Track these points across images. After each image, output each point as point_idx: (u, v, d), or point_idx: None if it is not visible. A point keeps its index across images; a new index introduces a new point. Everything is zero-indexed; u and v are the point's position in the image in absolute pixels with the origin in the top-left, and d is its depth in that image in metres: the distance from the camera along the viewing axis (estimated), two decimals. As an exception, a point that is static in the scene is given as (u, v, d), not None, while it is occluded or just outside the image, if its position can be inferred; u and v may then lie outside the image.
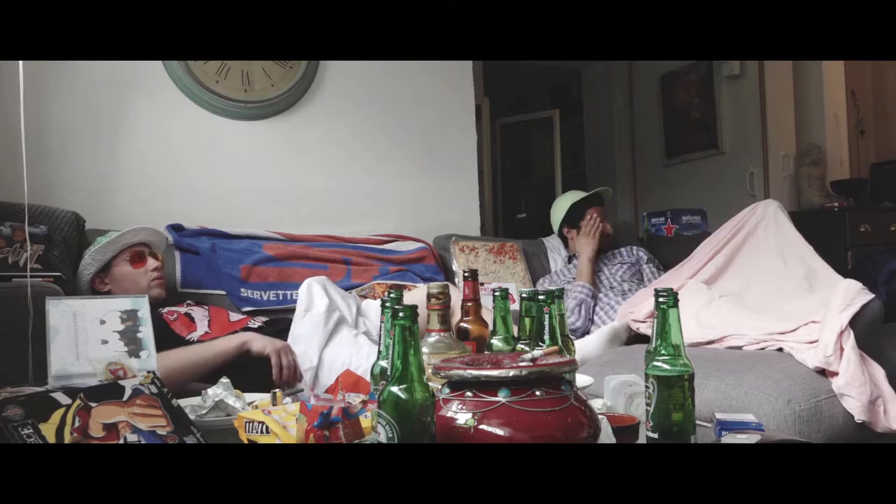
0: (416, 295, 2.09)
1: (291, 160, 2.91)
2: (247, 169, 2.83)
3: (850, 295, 1.69)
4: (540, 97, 7.18)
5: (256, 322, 2.08)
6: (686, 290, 2.19)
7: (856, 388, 1.57)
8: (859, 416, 1.56)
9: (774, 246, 2.22)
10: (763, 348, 1.85)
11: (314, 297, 2.08)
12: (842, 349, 1.62)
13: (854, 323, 1.65)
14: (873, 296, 1.70)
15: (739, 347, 1.90)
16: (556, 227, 3.06)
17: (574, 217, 2.96)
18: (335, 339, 1.94)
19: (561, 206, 3.02)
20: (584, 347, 2.16)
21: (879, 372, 1.62)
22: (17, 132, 1.79)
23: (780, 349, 1.81)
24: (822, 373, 1.66)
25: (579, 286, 2.73)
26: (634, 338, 2.37)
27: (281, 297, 2.45)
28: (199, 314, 2.07)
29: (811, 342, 1.72)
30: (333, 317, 1.99)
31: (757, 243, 2.29)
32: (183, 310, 2.07)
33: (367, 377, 1.76)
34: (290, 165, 2.90)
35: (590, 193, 3.00)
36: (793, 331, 1.81)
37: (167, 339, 1.88)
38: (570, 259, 3.01)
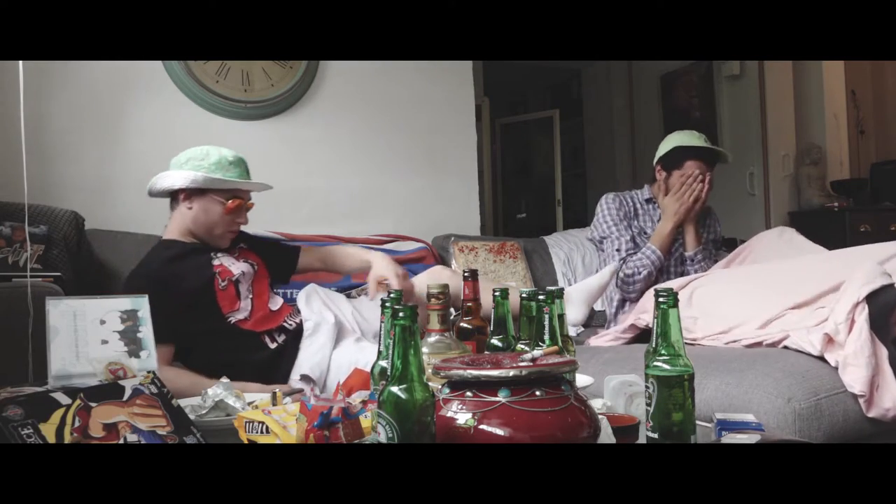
0: (422, 279, 2.10)
1: (291, 160, 2.91)
2: (247, 169, 2.83)
3: (872, 275, 1.71)
4: (540, 97, 7.19)
5: (291, 323, 1.99)
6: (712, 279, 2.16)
7: (864, 357, 1.58)
8: (861, 387, 1.56)
9: (793, 255, 2.19)
10: (770, 343, 1.85)
11: (314, 307, 2.05)
12: (853, 321, 1.64)
13: (870, 300, 1.66)
14: (893, 282, 1.71)
15: (762, 325, 1.90)
16: (655, 159, 2.65)
17: (672, 161, 2.54)
18: (340, 345, 1.95)
19: (667, 142, 2.59)
20: (587, 286, 2.18)
21: (883, 351, 1.63)
22: (17, 132, 1.79)
23: (787, 336, 1.80)
24: (822, 359, 1.67)
25: (651, 252, 2.43)
26: (635, 338, 2.36)
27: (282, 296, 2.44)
28: (245, 286, 1.97)
29: (818, 323, 1.74)
30: (338, 326, 2.01)
31: (776, 258, 2.24)
32: (235, 272, 1.96)
33: None
34: (290, 165, 2.90)
35: (702, 146, 2.52)
36: (803, 304, 1.82)
37: (208, 308, 1.87)
38: (649, 200, 2.62)
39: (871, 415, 1.58)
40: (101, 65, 2.57)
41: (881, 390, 1.59)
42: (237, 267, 1.98)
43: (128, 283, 1.90)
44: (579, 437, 0.91)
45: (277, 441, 1.10)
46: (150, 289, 1.83)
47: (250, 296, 1.97)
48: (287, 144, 2.91)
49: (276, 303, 2.04)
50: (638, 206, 2.61)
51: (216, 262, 1.96)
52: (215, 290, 1.90)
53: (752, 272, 2.12)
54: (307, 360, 1.90)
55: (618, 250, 2.48)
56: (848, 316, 1.64)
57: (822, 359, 1.68)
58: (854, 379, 1.58)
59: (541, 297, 1.24)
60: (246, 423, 1.16)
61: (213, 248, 1.98)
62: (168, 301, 1.82)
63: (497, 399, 0.90)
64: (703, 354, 1.77)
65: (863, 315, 1.63)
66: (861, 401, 1.58)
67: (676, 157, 2.52)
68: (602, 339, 2.33)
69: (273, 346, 1.92)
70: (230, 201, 1.93)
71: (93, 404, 1.03)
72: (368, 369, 1.73)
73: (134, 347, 1.29)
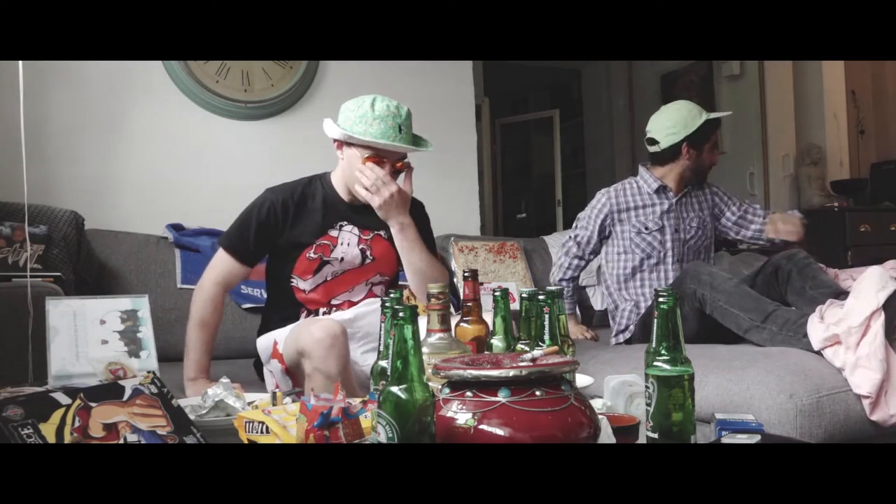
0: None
1: (291, 160, 2.90)
2: (247, 169, 2.83)
3: (884, 279, 1.72)
4: (540, 97, 7.18)
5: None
6: None
7: (877, 360, 1.59)
8: (869, 389, 1.57)
9: None
10: None
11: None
12: (868, 327, 1.65)
13: (885, 306, 1.67)
14: None
15: None
16: (669, 137, 2.42)
17: (703, 136, 2.38)
18: None
19: (682, 115, 2.42)
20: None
21: (895, 359, 1.63)
22: (17, 132, 1.79)
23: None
24: (820, 354, 1.69)
25: (569, 304, 2.59)
26: (636, 337, 2.36)
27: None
28: (332, 269, 1.90)
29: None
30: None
31: None
32: (335, 254, 1.89)
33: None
34: (291, 165, 2.87)
35: (722, 115, 2.44)
36: None
37: (286, 259, 1.87)
38: (659, 190, 2.43)
39: (873, 418, 1.58)
40: (100, 65, 2.57)
41: (888, 396, 1.59)
42: (344, 250, 1.91)
43: (265, 191, 1.92)
44: (579, 437, 0.91)
45: (277, 441, 1.10)
46: (269, 204, 1.88)
47: (327, 279, 1.90)
48: (287, 144, 2.91)
49: (347, 297, 1.93)
50: (636, 199, 2.43)
51: (332, 233, 1.90)
52: (301, 253, 1.87)
53: None
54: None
55: (574, 243, 2.50)
56: (864, 321, 1.64)
57: (822, 356, 1.69)
58: (863, 380, 1.58)
59: (541, 297, 1.24)
60: (246, 423, 1.16)
61: (351, 214, 1.91)
62: (270, 223, 1.87)
63: (497, 399, 0.90)
64: (703, 354, 1.77)
65: (879, 321, 1.64)
66: (866, 403, 1.58)
67: (707, 132, 2.39)
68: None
69: None
70: (365, 157, 1.84)
71: (93, 404, 1.03)
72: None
73: (134, 347, 1.29)
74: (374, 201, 1.82)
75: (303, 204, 1.90)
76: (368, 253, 1.94)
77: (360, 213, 1.93)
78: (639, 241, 2.40)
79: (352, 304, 1.93)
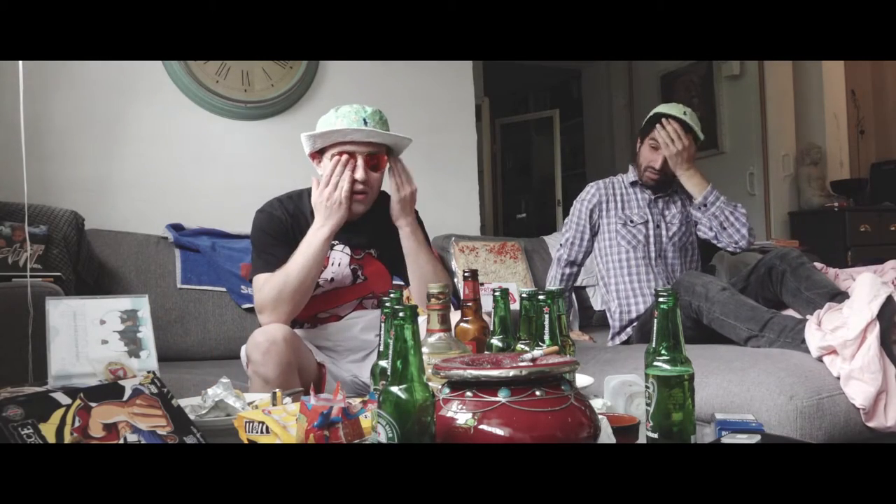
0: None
1: (291, 160, 2.90)
2: (247, 169, 2.83)
3: (875, 287, 1.70)
4: (540, 97, 7.19)
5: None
6: None
7: (870, 373, 1.58)
8: (862, 402, 1.57)
9: None
10: None
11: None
12: (864, 339, 1.64)
13: (879, 315, 1.66)
14: (892, 289, 1.71)
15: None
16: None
17: (649, 128, 2.43)
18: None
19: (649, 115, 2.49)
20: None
21: (892, 370, 1.63)
22: (17, 132, 1.79)
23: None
24: (821, 360, 1.69)
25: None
26: (636, 337, 2.37)
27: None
28: (321, 289, 1.85)
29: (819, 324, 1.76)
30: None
31: None
32: (327, 272, 1.83)
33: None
34: (291, 165, 2.89)
35: (678, 116, 2.40)
36: None
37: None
38: (634, 183, 2.50)
39: (870, 425, 1.59)
40: (100, 65, 2.57)
41: (888, 408, 1.59)
42: (335, 270, 1.86)
43: (259, 211, 1.88)
44: (579, 437, 0.91)
45: (277, 441, 1.10)
46: (266, 217, 1.84)
47: (316, 295, 1.86)
48: (287, 144, 2.90)
49: (335, 312, 1.91)
50: (621, 192, 2.50)
51: (330, 248, 1.84)
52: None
53: None
54: None
55: (565, 249, 2.51)
56: (860, 334, 1.63)
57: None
58: (857, 392, 1.58)
59: (541, 297, 1.24)
60: (246, 423, 1.16)
61: (341, 233, 1.80)
62: (281, 227, 1.82)
63: (497, 399, 0.90)
64: (703, 354, 1.77)
65: (874, 332, 1.63)
66: (861, 412, 1.58)
67: (653, 124, 2.43)
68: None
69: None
70: (332, 153, 1.76)
71: (93, 404, 1.03)
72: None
73: (134, 347, 1.29)
74: (404, 191, 1.80)
75: (296, 219, 1.85)
76: (360, 272, 1.90)
77: (351, 232, 1.86)
78: (624, 233, 2.43)
79: (338, 318, 1.91)
